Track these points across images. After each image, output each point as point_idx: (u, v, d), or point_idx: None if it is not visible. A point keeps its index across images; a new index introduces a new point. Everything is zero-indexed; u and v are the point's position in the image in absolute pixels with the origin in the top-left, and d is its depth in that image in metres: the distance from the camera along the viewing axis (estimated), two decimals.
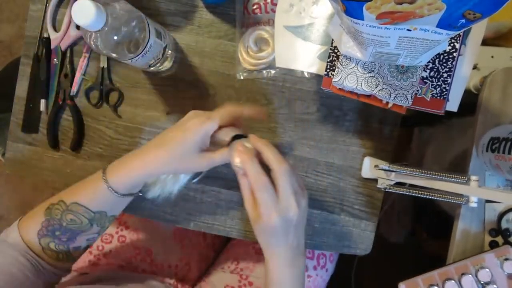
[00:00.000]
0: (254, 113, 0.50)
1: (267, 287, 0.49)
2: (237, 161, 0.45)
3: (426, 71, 0.44)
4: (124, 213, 0.70)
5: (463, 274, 0.53)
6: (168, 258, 0.72)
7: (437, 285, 0.53)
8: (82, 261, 0.69)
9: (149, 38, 0.49)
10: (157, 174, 0.49)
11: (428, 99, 0.45)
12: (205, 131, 0.46)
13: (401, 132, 0.57)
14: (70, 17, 0.59)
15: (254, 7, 0.56)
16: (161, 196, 0.53)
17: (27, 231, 0.48)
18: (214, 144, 0.49)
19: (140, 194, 0.52)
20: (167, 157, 0.46)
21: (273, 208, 0.43)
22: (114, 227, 0.71)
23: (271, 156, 0.44)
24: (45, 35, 0.60)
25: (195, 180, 0.59)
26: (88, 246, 0.53)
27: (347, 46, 0.44)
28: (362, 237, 0.58)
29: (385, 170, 0.53)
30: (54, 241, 0.48)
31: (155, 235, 0.72)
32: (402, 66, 0.44)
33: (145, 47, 0.49)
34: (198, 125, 0.46)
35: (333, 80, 0.46)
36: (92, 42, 0.46)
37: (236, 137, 0.47)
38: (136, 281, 0.65)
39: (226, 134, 0.48)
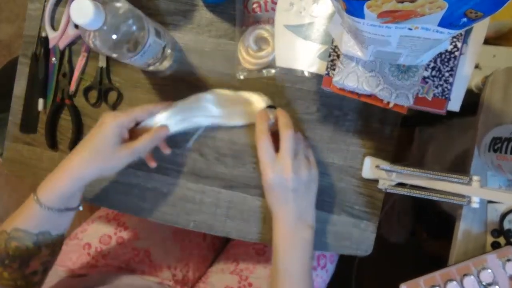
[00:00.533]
0: (164, 107, 0.53)
1: (273, 255, 0.51)
2: None
3: (427, 71, 0.44)
4: (124, 213, 0.70)
5: (465, 275, 0.53)
6: (167, 259, 0.72)
7: (438, 286, 0.53)
8: (81, 263, 0.68)
9: (148, 37, 0.48)
10: (85, 178, 0.48)
11: (430, 99, 0.44)
12: (120, 123, 0.48)
13: (402, 132, 0.57)
14: (69, 16, 0.59)
15: (254, 6, 0.56)
16: None
17: None
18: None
19: (81, 208, 0.51)
20: (89, 156, 0.47)
21: (269, 165, 0.49)
22: (113, 228, 0.71)
23: (282, 122, 0.50)
24: (44, 34, 0.60)
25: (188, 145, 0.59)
26: (47, 269, 0.51)
27: (348, 45, 0.43)
28: (362, 237, 0.58)
29: (386, 170, 0.53)
30: (6, 270, 0.47)
31: (154, 236, 0.72)
32: (404, 66, 0.44)
33: (144, 46, 0.48)
34: (112, 118, 0.48)
35: (334, 79, 0.46)
36: (90, 41, 0.46)
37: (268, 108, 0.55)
38: (134, 282, 0.64)
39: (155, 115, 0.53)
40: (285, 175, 0.49)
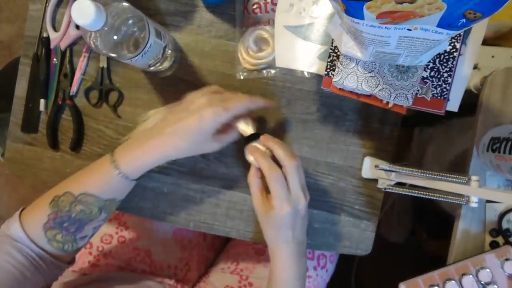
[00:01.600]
0: (265, 106, 0.52)
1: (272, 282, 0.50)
2: (250, 159, 0.50)
3: (426, 71, 0.44)
4: (124, 213, 0.70)
5: (463, 274, 0.53)
6: (167, 258, 0.72)
7: (437, 285, 0.53)
8: (82, 262, 0.68)
9: (148, 38, 0.49)
10: (170, 159, 0.49)
11: (429, 99, 0.44)
12: (220, 122, 0.47)
13: (401, 132, 0.57)
14: (70, 16, 0.59)
15: (254, 7, 0.56)
16: None
17: (31, 224, 0.47)
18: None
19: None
20: (185, 146, 0.48)
21: (286, 199, 0.47)
22: (114, 228, 0.71)
23: (281, 153, 0.47)
24: (45, 34, 0.60)
25: None
26: (94, 234, 0.52)
27: (348, 46, 0.44)
28: (362, 237, 0.58)
29: (385, 170, 0.53)
30: (61, 232, 0.47)
31: (155, 236, 0.72)
32: (403, 66, 0.44)
33: (145, 47, 0.49)
34: (214, 116, 0.46)
35: (333, 80, 0.46)
36: (91, 42, 0.46)
37: (249, 137, 0.51)
38: (135, 282, 0.65)
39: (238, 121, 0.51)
40: (300, 205, 0.48)
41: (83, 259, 0.69)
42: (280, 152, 0.47)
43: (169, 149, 0.48)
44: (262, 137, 0.50)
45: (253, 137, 0.51)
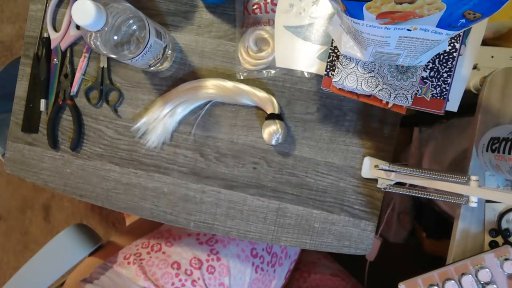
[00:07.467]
0: None
1: None
2: (265, 136, 0.56)
3: (426, 71, 0.44)
4: (214, 240, 0.68)
5: (463, 274, 0.53)
6: None
7: (437, 285, 0.53)
8: (164, 282, 0.64)
9: (149, 38, 0.49)
10: None
11: (428, 99, 0.45)
12: None
13: (401, 132, 0.57)
14: (70, 17, 0.59)
15: (254, 7, 0.56)
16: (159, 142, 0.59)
17: None
18: None
19: None
20: None
21: None
22: (205, 254, 0.68)
23: None
24: (45, 35, 0.60)
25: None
26: None
27: (347, 46, 0.44)
28: (362, 237, 0.58)
29: (385, 170, 0.53)
30: None
31: (238, 279, 0.68)
32: (402, 66, 0.44)
33: (145, 47, 0.49)
34: None
35: (333, 80, 0.46)
36: (92, 42, 0.46)
37: (271, 115, 0.55)
38: None
39: None
40: None
41: (166, 279, 0.64)
42: None
43: None
44: None
45: (274, 116, 0.55)
